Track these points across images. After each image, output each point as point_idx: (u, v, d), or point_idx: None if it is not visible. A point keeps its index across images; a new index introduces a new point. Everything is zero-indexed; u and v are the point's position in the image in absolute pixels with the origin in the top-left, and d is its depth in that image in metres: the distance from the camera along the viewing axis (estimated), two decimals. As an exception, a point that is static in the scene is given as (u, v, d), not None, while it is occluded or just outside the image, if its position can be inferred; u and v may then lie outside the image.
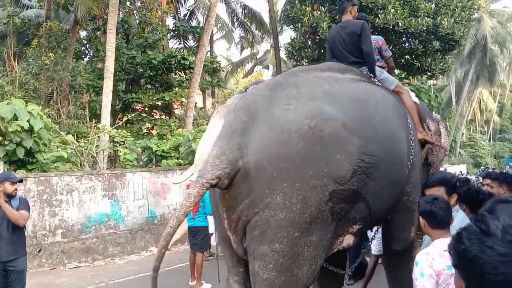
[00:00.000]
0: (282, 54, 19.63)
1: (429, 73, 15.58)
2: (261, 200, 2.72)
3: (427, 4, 13.79)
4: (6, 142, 8.00)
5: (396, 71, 15.63)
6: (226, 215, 2.92)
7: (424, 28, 13.65)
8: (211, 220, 7.21)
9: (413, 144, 3.55)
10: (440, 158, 4.52)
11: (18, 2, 18.58)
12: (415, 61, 15.11)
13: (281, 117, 2.84)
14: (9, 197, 4.61)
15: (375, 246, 5.60)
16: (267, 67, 31.06)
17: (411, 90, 17.53)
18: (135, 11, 18.82)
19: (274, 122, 2.84)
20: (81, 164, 10.05)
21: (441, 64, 15.04)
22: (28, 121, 8.09)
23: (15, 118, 8.08)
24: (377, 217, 3.34)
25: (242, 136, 2.86)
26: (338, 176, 2.78)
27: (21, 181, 4.98)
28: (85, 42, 19.60)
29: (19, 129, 7.93)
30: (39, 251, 8.14)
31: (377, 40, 4.63)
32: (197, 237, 6.79)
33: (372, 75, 3.87)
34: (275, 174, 2.71)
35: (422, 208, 2.74)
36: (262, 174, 2.73)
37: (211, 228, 7.88)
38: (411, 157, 3.50)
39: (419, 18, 13.46)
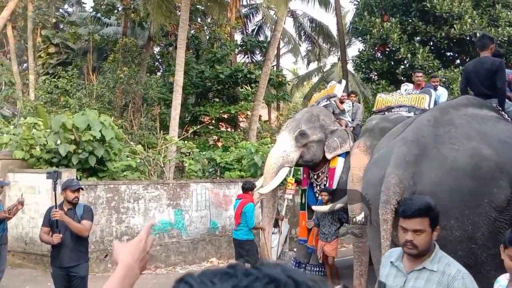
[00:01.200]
0: (350, 67, 19.25)
1: (510, 87, 14.47)
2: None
3: (508, 13, 12.86)
4: (79, 151, 8.45)
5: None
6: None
7: (505, 39, 12.72)
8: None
9: None
10: None
11: (99, 20, 19.89)
12: (494, 73, 14.13)
13: (449, 156, 3.73)
14: (73, 204, 4.73)
15: None
16: (340, 82, 30.61)
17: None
18: (205, 27, 19.45)
19: (443, 160, 3.73)
20: (149, 174, 10.39)
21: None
22: (100, 131, 8.51)
23: (89, 128, 8.53)
24: None
25: (415, 167, 3.75)
26: (497, 205, 3.55)
27: (81, 189, 5.08)
28: (157, 57, 20.55)
29: (91, 138, 8.36)
30: (106, 256, 8.46)
31: (508, 74, 5.00)
32: (242, 250, 6.74)
33: (500, 108, 4.47)
34: (448, 203, 3.51)
35: None
36: (436, 202, 3.35)
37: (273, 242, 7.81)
38: None
39: (500, 27, 12.58)
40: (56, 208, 4.60)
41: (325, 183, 7.85)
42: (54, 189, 4.71)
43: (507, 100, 4.62)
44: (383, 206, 3.75)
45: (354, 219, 6.39)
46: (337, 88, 9.05)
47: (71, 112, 11.60)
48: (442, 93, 7.59)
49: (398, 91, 8.01)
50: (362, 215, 6.15)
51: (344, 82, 9.87)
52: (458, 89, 12.71)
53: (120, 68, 15.59)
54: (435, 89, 7.51)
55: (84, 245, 4.82)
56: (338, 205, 7.16)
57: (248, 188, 6.80)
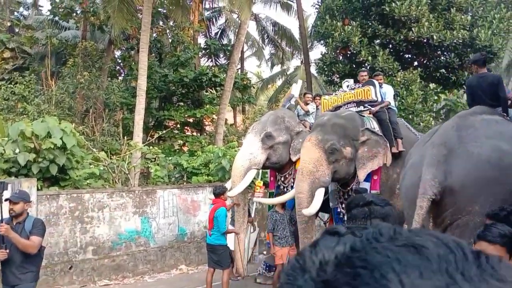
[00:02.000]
0: (313, 69, 19.50)
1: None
2: (463, 209, 4.27)
3: (462, 17, 13.38)
4: (39, 159, 8.14)
5: (431, 85, 15.18)
6: (432, 219, 4.52)
7: (460, 41, 13.24)
8: (229, 238, 7.10)
9: None
10: None
11: (57, 24, 19.29)
12: (451, 74, 14.66)
13: (474, 152, 4.37)
14: (20, 217, 4.32)
15: None
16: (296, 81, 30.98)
17: (447, 105, 16.93)
18: (167, 31, 19.21)
19: (469, 155, 4.38)
20: (113, 181, 10.13)
21: (479, 77, 14.50)
22: (61, 138, 8.22)
23: (49, 135, 8.23)
24: None
25: (445, 165, 4.46)
26: None
27: (26, 201, 4.51)
28: (119, 61, 20.12)
29: (52, 146, 8.06)
30: (70, 267, 8.18)
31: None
32: (214, 255, 6.69)
33: (505, 114, 5.19)
34: (475, 191, 4.20)
35: None
36: (465, 191, 4.27)
37: (231, 246, 7.75)
38: None
39: (455, 30, 13.07)
40: (2, 221, 4.14)
41: (292, 184, 7.90)
42: (0, 201, 4.17)
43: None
44: (421, 196, 4.45)
45: (300, 212, 6.35)
46: (294, 88, 9.19)
47: (29, 119, 11.16)
48: (387, 90, 7.67)
49: (341, 88, 8.12)
50: (311, 209, 6.24)
51: (300, 81, 9.99)
52: (417, 90, 13.16)
53: (80, 72, 15.15)
54: (380, 86, 7.62)
55: (33, 262, 4.41)
56: (285, 197, 7.13)
57: (219, 193, 6.76)
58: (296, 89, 9.11)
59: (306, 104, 8.83)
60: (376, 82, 7.52)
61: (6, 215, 4.34)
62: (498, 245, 2.32)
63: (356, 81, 7.96)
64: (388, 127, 7.01)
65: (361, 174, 6.69)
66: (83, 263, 8.34)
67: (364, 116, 7.14)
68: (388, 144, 6.85)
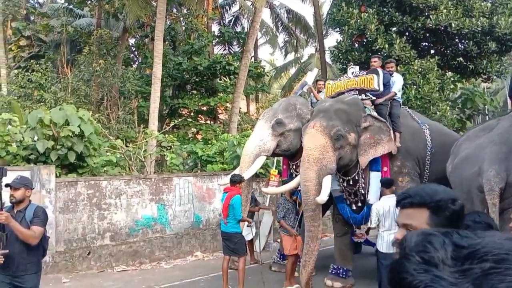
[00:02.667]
0: (328, 57, 19.32)
1: (484, 76, 14.76)
2: None
3: (482, 4, 13.09)
4: (58, 147, 8.24)
5: (448, 74, 14.94)
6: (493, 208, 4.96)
7: (479, 29, 12.96)
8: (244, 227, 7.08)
9: None
10: None
11: (72, 12, 19.37)
12: (469, 63, 14.39)
13: None
14: (21, 204, 4.08)
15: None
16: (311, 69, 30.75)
17: (464, 93, 16.56)
18: (181, 18, 19.18)
19: None
20: (129, 168, 10.24)
21: (498, 66, 14.20)
22: (79, 126, 8.31)
23: (67, 123, 8.32)
24: None
25: (506, 162, 4.93)
26: None
27: (28, 187, 4.16)
28: (133, 49, 20.18)
29: (70, 134, 8.15)
30: (89, 253, 8.32)
31: None
32: (230, 243, 6.70)
33: None
34: None
35: None
36: None
37: (247, 235, 7.77)
38: None
39: (474, 18, 12.80)
40: (2, 209, 3.82)
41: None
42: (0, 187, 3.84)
43: None
44: (489, 193, 4.87)
45: (308, 200, 6.18)
46: (309, 76, 9.04)
47: (46, 107, 11.30)
48: (396, 80, 7.46)
49: (345, 74, 7.94)
50: (323, 196, 6.08)
51: (316, 70, 9.86)
52: (434, 79, 12.97)
53: (95, 60, 15.24)
54: (391, 75, 7.46)
55: (34, 253, 4.10)
56: (290, 185, 6.93)
57: (236, 181, 6.73)
58: (310, 77, 9.00)
59: (319, 91, 8.75)
60: (380, 71, 7.31)
61: (7, 202, 4.09)
62: None
63: (368, 69, 7.80)
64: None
65: (363, 161, 6.57)
66: (101, 249, 8.48)
67: (366, 107, 6.98)
68: (392, 131, 6.72)
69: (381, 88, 7.14)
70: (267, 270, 7.98)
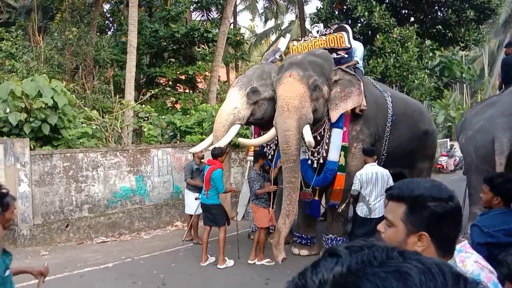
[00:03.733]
0: (308, 24, 19.10)
1: (462, 44, 14.86)
2: None
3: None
4: (31, 119, 8.04)
5: (427, 42, 14.97)
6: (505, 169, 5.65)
7: None
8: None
9: None
10: None
11: (42, -24, 18.49)
12: (447, 31, 14.43)
13: None
14: None
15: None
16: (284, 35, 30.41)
17: (442, 62, 16.77)
18: (157, -17, 18.52)
19: None
20: (106, 140, 10.09)
21: (475, 34, 14.30)
22: (52, 97, 8.09)
23: (39, 95, 8.09)
24: None
25: None
26: None
27: None
28: (108, 16, 19.50)
29: (43, 105, 7.94)
30: (67, 226, 8.28)
31: None
32: (210, 214, 6.75)
33: None
34: None
35: None
36: None
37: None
38: None
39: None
40: None
41: (276, 142, 7.79)
42: None
43: None
44: (499, 154, 5.77)
45: (289, 151, 6.04)
46: (281, 42, 8.84)
47: (18, 77, 10.94)
48: (357, 47, 7.45)
49: (310, 34, 7.83)
50: (309, 139, 6.10)
51: (288, 36, 9.67)
52: (413, 47, 12.97)
53: (68, 28, 14.69)
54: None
55: None
56: (266, 137, 6.80)
57: (217, 155, 6.65)
58: (283, 43, 8.83)
59: None
60: (348, 28, 7.25)
61: None
62: None
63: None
64: None
65: (334, 115, 6.57)
66: (79, 221, 8.45)
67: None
68: (362, 84, 6.71)
69: (353, 45, 7.14)
70: (246, 239, 8.10)
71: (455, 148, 17.66)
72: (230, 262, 6.77)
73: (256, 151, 7.75)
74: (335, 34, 7.18)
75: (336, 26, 7.56)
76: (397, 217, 1.38)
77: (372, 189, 6.43)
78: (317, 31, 7.54)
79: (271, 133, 6.61)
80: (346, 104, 6.58)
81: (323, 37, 7.32)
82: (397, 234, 1.38)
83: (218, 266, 6.69)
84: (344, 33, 7.08)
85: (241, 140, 7.63)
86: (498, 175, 3.40)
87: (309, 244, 7.36)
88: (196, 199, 7.83)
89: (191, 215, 8.17)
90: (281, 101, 6.18)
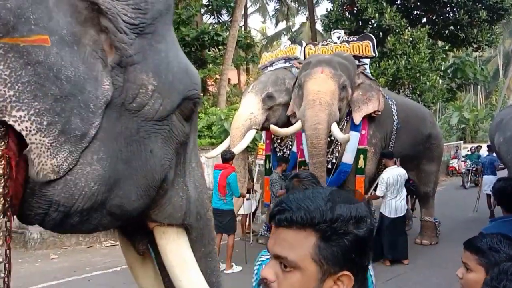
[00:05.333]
0: (319, 26, 19.04)
1: (475, 45, 14.68)
2: None
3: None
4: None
5: (440, 43, 14.81)
6: None
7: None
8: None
9: None
10: None
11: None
12: (459, 32, 14.25)
13: None
14: None
15: None
16: (300, 43, 30.33)
17: (455, 63, 16.63)
18: (168, -13, 18.62)
19: None
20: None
21: (488, 35, 14.10)
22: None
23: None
24: None
25: None
26: None
27: None
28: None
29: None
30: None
31: None
32: (223, 220, 6.68)
33: None
34: None
35: None
36: None
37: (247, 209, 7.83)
38: None
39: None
40: None
41: (289, 147, 7.76)
42: None
43: None
44: None
45: (319, 145, 6.08)
46: (299, 50, 8.85)
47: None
48: None
49: (330, 39, 7.81)
50: (343, 135, 6.21)
51: (304, 44, 9.67)
52: (425, 48, 12.82)
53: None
54: None
55: None
56: (296, 127, 6.72)
57: (228, 158, 6.63)
58: (301, 52, 8.84)
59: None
60: (373, 37, 7.34)
61: None
62: None
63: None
64: None
65: (357, 117, 6.69)
66: (89, 224, 8.49)
67: None
68: (380, 89, 6.85)
69: (377, 55, 7.27)
70: (254, 243, 8.06)
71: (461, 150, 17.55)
72: (237, 268, 6.72)
73: (278, 156, 7.86)
74: (361, 42, 7.27)
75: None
76: (305, 254, 0.88)
77: (398, 190, 6.73)
78: (338, 37, 7.59)
79: (298, 124, 6.55)
80: (368, 108, 6.72)
81: (347, 44, 7.37)
82: (307, 282, 0.89)
83: (225, 271, 6.65)
84: (370, 42, 7.19)
85: (273, 127, 7.56)
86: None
87: None
88: (247, 199, 7.83)
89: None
90: (312, 95, 6.18)
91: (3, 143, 1.13)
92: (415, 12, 14.57)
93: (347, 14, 14.66)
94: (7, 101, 1.10)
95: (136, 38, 1.32)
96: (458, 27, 14.07)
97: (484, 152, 14.39)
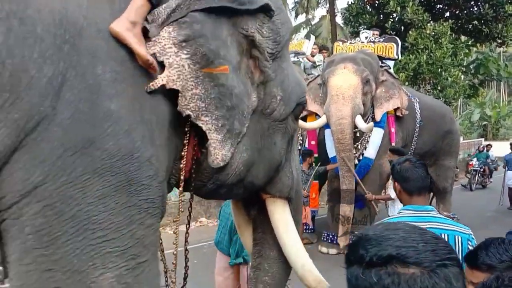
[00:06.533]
0: (339, 20, 18.82)
1: (499, 40, 14.29)
2: None
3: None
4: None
5: (462, 38, 14.49)
6: None
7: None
8: None
9: None
10: None
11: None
12: (483, 27, 13.89)
13: None
14: None
15: None
16: (308, 38, 30.08)
17: (478, 59, 16.35)
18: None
19: None
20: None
21: (514, 30, 13.73)
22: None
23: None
24: None
25: None
26: None
27: None
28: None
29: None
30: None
31: None
32: None
33: None
34: None
35: None
36: None
37: None
38: None
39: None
40: None
41: (300, 141, 7.71)
42: None
43: None
44: None
45: (345, 140, 6.12)
46: (306, 45, 8.83)
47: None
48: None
49: (358, 38, 8.03)
50: (366, 125, 6.24)
51: (313, 38, 9.76)
52: (447, 43, 12.56)
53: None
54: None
55: None
56: (321, 121, 6.68)
57: None
58: (308, 46, 8.83)
59: (313, 55, 8.50)
60: (398, 40, 7.47)
61: None
62: None
63: (383, 33, 7.74)
64: None
65: (378, 114, 6.75)
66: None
67: None
68: (403, 87, 6.94)
69: (400, 57, 7.28)
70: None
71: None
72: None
73: (304, 150, 7.72)
74: (385, 43, 7.38)
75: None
76: None
77: None
78: (366, 37, 7.64)
79: (323, 118, 6.60)
80: (389, 105, 6.80)
81: (372, 44, 7.50)
82: None
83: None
84: (394, 44, 7.30)
85: (301, 122, 7.58)
86: None
87: (337, 242, 7.26)
88: None
89: None
90: (335, 91, 6.27)
91: (187, 137, 1.71)
92: (438, 6, 14.25)
93: (368, 7, 14.43)
94: (201, 110, 1.63)
95: (272, 62, 1.87)
96: (482, 21, 13.72)
97: (494, 151, 14.18)
